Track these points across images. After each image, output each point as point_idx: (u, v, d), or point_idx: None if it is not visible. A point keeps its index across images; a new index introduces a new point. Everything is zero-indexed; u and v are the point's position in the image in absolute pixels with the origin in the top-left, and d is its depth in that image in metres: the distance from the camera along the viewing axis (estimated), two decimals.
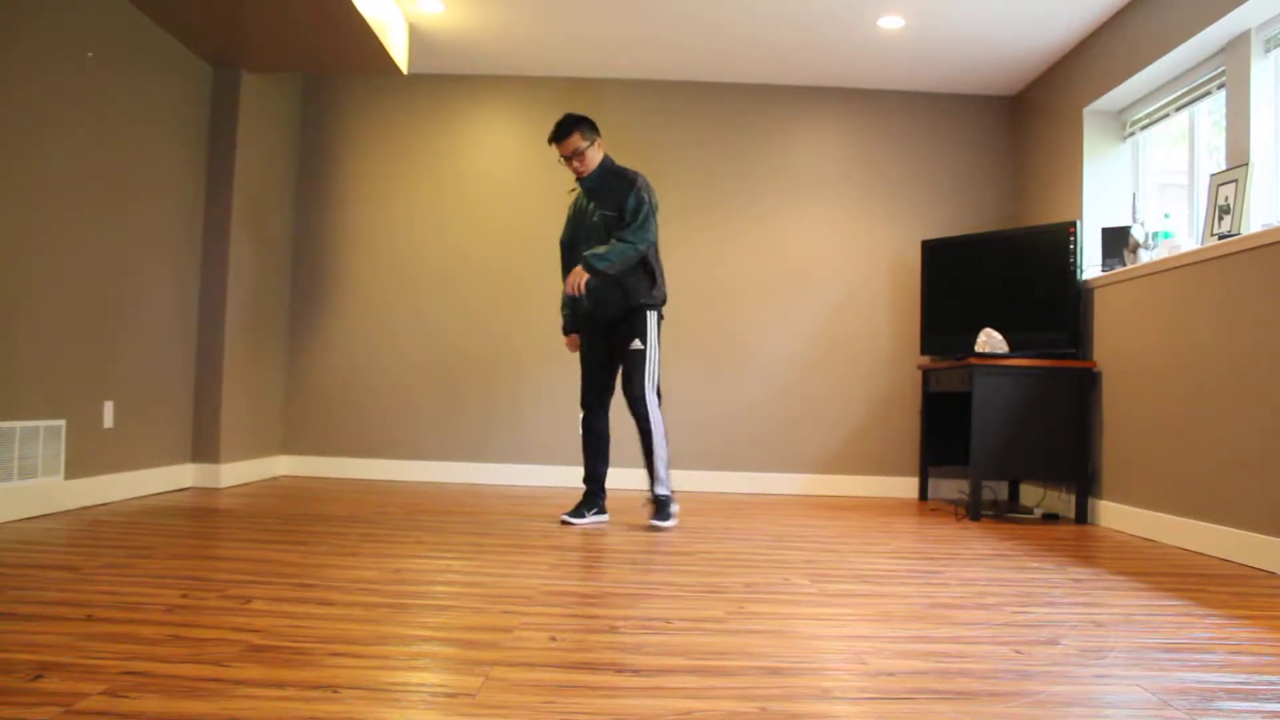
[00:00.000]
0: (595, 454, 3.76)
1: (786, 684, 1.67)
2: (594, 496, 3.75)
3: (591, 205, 3.67)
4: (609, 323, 3.67)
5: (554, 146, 3.61)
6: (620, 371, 3.68)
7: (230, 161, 4.54)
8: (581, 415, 3.77)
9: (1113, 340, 4.10)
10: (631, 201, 3.55)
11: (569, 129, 3.58)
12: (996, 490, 4.97)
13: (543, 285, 5.29)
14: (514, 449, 5.25)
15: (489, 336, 5.29)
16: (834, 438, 5.24)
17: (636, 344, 3.58)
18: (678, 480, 5.21)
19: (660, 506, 3.64)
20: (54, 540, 2.90)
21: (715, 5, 4.32)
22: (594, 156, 3.62)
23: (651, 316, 3.63)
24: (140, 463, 4.04)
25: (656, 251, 3.67)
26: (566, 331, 3.85)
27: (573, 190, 3.84)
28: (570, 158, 3.59)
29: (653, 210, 3.57)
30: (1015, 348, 4.38)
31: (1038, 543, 3.53)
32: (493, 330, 5.29)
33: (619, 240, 3.50)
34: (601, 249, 3.50)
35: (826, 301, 5.29)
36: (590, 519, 3.71)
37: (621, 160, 5.36)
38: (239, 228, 4.60)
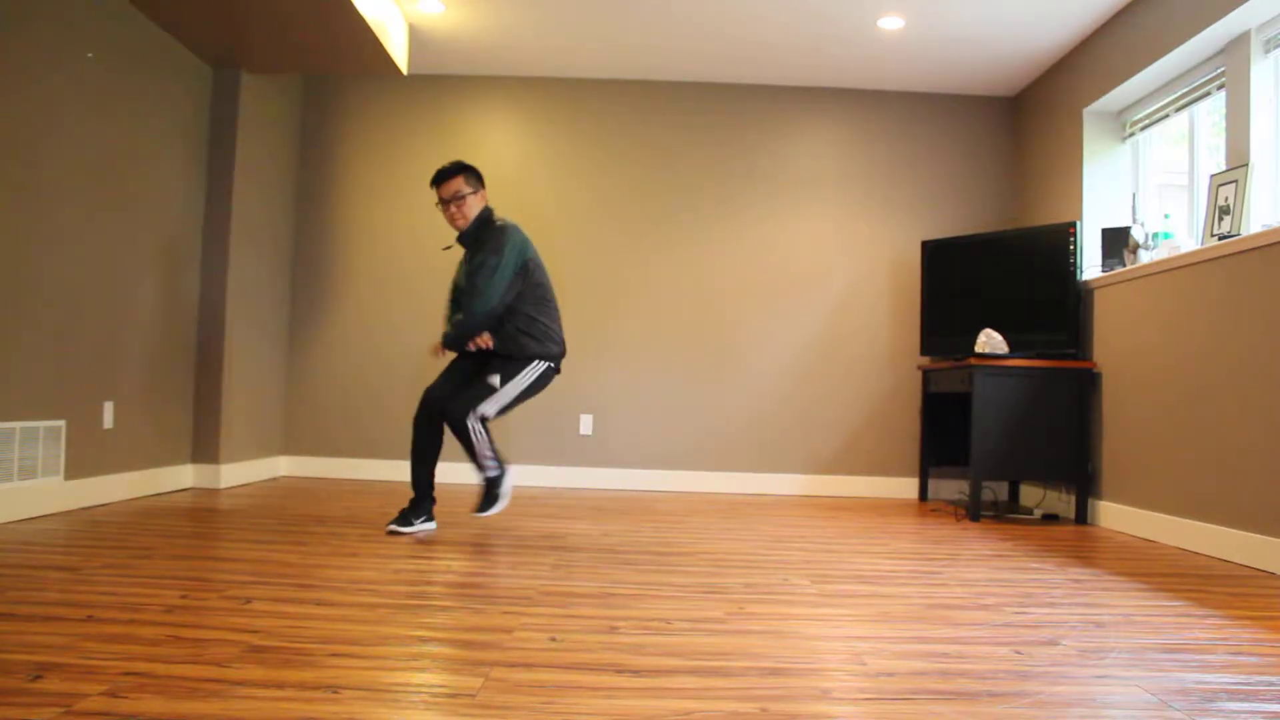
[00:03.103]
0: (427, 455, 3.39)
1: (786, 684, 1.67)
2: (426, 501, 3.40)
3: (464, 258, 3.47)
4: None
5: (434, 190, 3.40)
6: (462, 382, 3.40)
7: (230, 161, 4.55)
8: (418, 412, 3.39)
9: (1112, 341, 4.10)
10: (478, 259, 3.32)
11: (453, 172, 3.38)
12: (996, 491, 4.97)
13: None
14: (514, 450, 5.24)
15: None
16: (834, 438, 5.24)
17: (493, 380, 3.32)
18: (679, 480, 5.21)
19: (489, 487, 3.37)
20: (54, 541, 2.90)
21: (715, 6, 4.32)
22: (474, 206, 3.38)
23: (530, 367, 3.39)
24: (140, 463, 4.04)
25: (538, 304, 3.38)
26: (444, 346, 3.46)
27: (448, 248, 3.66)
28: (449, 201, 3.35)
29: (504, 268, 3.29)
30: (1015, 348, 4.38)
31: (1037, 543, 3.53)
32: None
33: (465, 307, 3.33)
34: (449, 325, 3.44)
35: (826, 302, 5.29)
36: (419, 526, 3.34)
37: (621, 160, 5.41)
38: (239, 227, 4.60)
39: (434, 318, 5.31)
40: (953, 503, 4.90)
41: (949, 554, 3.23)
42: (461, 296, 3.42)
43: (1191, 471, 3.45)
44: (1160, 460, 3.67)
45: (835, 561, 3.00)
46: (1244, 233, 3.31)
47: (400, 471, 5.23)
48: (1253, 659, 1.92)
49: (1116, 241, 4.17)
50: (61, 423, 3.51)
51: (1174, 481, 3.57)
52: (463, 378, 3.43)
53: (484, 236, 3.38)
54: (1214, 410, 3.34)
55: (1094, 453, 4.20)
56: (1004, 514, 4.46)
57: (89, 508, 3.62)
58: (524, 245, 3.39)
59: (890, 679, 1.72)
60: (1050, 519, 4.30)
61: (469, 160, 5.34)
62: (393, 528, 3.30)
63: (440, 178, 3.38)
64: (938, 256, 4.96)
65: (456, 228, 3.41)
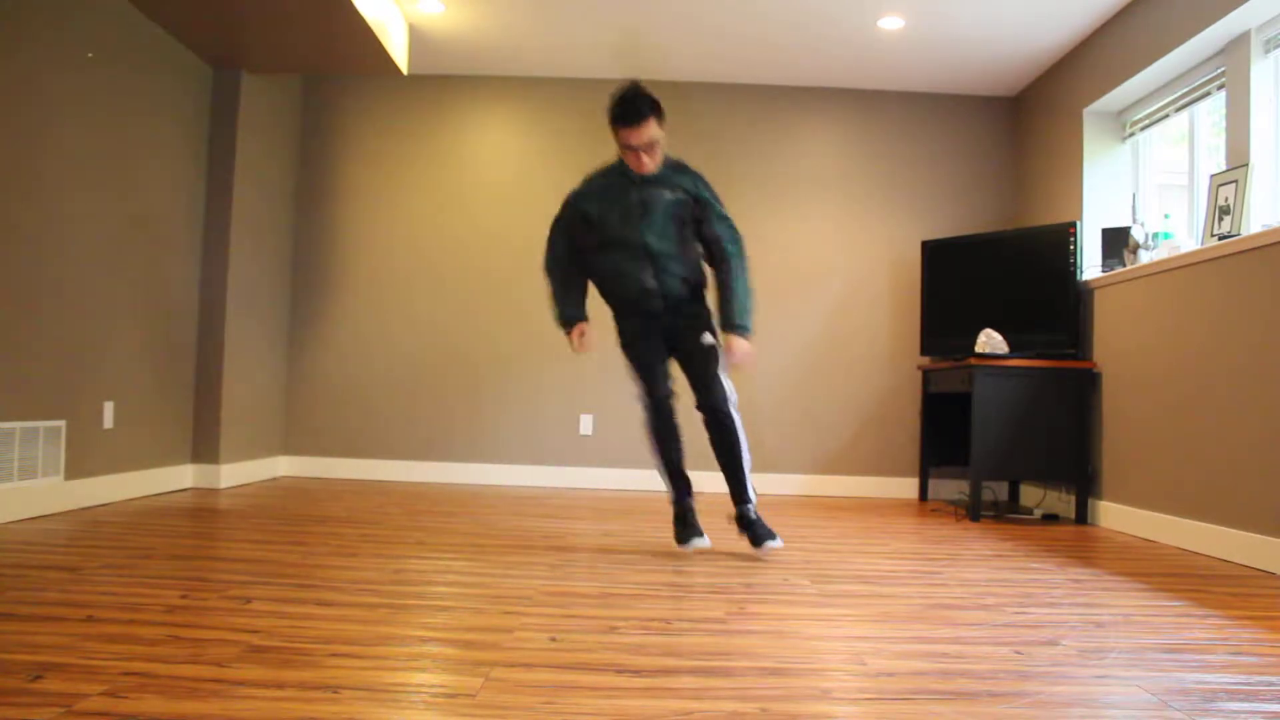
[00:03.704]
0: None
1: (786, 684, 1.67)
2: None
3: (639, 196, 2.99)
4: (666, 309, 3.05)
5: (619, 130, 2.90)
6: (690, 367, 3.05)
7: (230, 161, 4.54)
8: (654, 419, 3.08)
9: (1112, 341, 4.10)
10: (706, 193, 3.01)
11: (646, 110, 2.86)
12: (996, 491, 4.97)
13: (542, 287, 5.27)
14: (514, 450, 5.24)
15: (489, 338, 5.29)
16: (834, 438, 5.24)
17: (711, 339, 3.03)
18: None
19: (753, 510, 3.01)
20: (54, 541, 2.90)
21: (715, 6, 4.32)
22: (662, 148, 2.95)
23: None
24: (140, 463, 4.04)
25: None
26: (573, 321, 3.14)
27: (587, 187, 3.12)
28: (639, 148, 2.88)
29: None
30: (1015, 348, 4.38)
31: (1037, 543, 3.53)
32: (493, 331, 5.29)
33: (727, 262, 2.98)
34: (735, 302, 2.95)
35: (826, 302, 5.29)
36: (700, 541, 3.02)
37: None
38: (239, 228, 4.60)
39: (434, 318, 5.31)
40: (953, 503, 4.90)
41: (949, 554, 3.23)
42: (659, 248, 2.96)
43: (1192, 471, 3.45)
44: (1160, 460, 3.67)
45: (835, 561, 3.00)
46: (1244, 233, 3.31)
47: (401, 472, 5.23)
48: (1253, 659, 1.92)
49: (1116, 241, 4.17)
50: (61, 423, 3.51)
51: (1174, 481, 3.57)
52: (663, 359, 3.07)
53: (678, 176, 3.02)
54: (1214, 410, 3.33)
55: (1094, 453, 4.20)
56: (1004, 514, 4.46)
57: (89, 508, 3.62)
58: None
59: (890, 679, 1.72)
60: (1050, 519, 4.30)
61: (469, 160, 5.38)
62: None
63: (631, 118, 2.86)
64: (938, 256, 4.96)
65: (641, 171, 2.95)
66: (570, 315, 3.16)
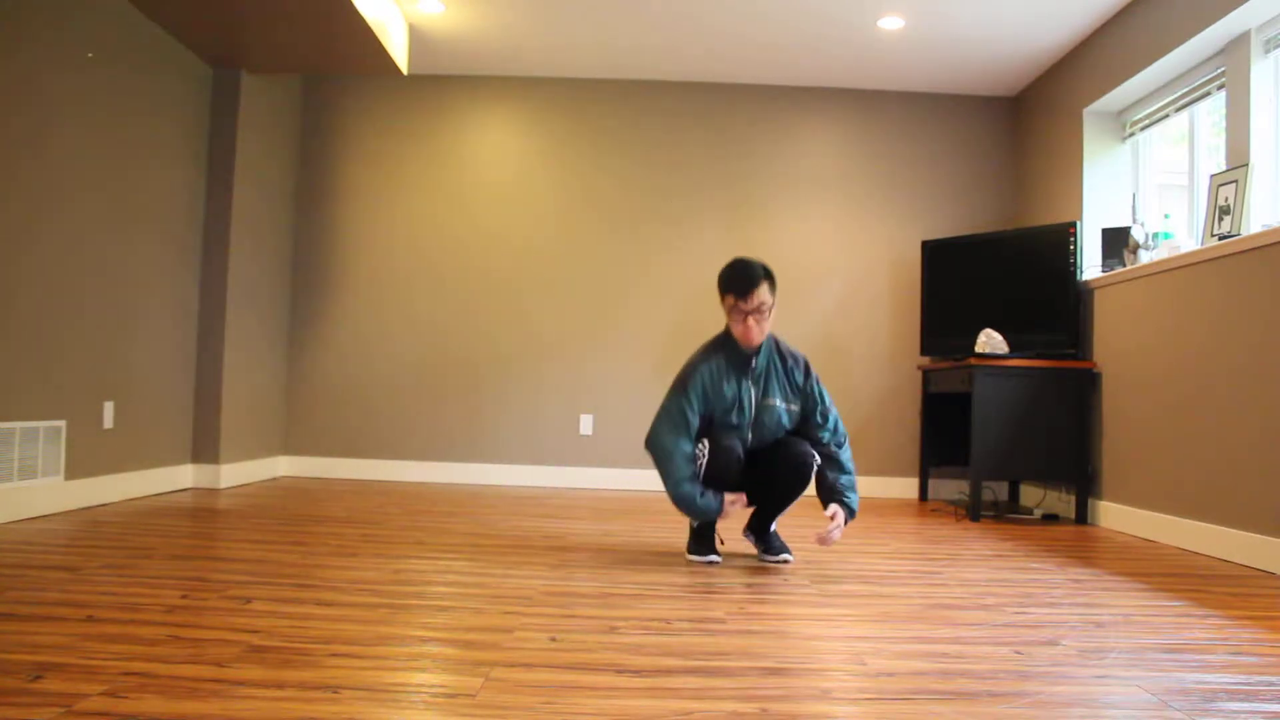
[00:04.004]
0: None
1: (786, 684, 1.67)
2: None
3: (750, 390, 2.87)
4: None
5: (729, 298, 2.81)
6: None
7: (230, 161, 4.54)
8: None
9: (1112, 341, 4.10)
10: (816, 390, 2.92)
11: (758, 275, 2.79)
12: (996, 491, 4.97)
13: (542, 287, 5.29)
14: (514, 450, 5.24)
15: (489, 338, 5.29)
16: None
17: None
18: None
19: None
20: (54, 541, 2.90)
21: (715, 6, 4.31)
22: (770, 320, 2.84)
23: None
24: (140, 463, 4.04)
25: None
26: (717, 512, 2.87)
27: (708, 363, 2.87)
28: (749, 312, 2.79)
29: None
30: (1015, 348, 4.38)
31: (1037, 543, 3.53)
32: (493, 331, 5.29)
33: (835, 458, 2.89)
34: (846, 478, 2.88)
35: (826, 302, 5.29)
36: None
37: (621, 160, 5.41)
38: (239, 228, 4.60)
39: (435, 318, 5.30)
40: (953, 503, 4.90)
41: (949, 554, 3.23)
42: (739, 435, 2.87)
43: (1191, 471, 3.45)
44: (1160, 460, 3.67)
45: (835, 561, 3.00)
46: (1244, 233, 3.31)
47: (400, 472, 5.23)
48: (1253, 659, 1.92)
49: (1116, 241, 4.17)
50: (61, 423, 3.50)
51: (1174, 481, 3.57)
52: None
53: (783, 365, 2.91)
54: (1214, 410, 3.33)
55: (1094, 453, 4.20)
56: (1004, 514, 4.46)
57: (89, 508, 3.62)
58: None
59: (890, 679, 1.72)
60: (1050, 519, 4.30)
61: (469, 161, 5.38)
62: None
63: (743, 285, 2.78)
64: (938, 256, 4.96)
65: (746, 342, 2.83)
66: (715, 506, 2.86)
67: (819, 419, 2.92)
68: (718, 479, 2.85)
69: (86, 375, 3.66)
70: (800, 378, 2.91)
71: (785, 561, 2.93)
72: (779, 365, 2.90)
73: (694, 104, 5.34)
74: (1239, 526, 3.16)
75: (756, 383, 2.88)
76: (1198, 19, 3.56)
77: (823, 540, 2.79)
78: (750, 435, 2.90)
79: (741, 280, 2.79)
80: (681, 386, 2.88)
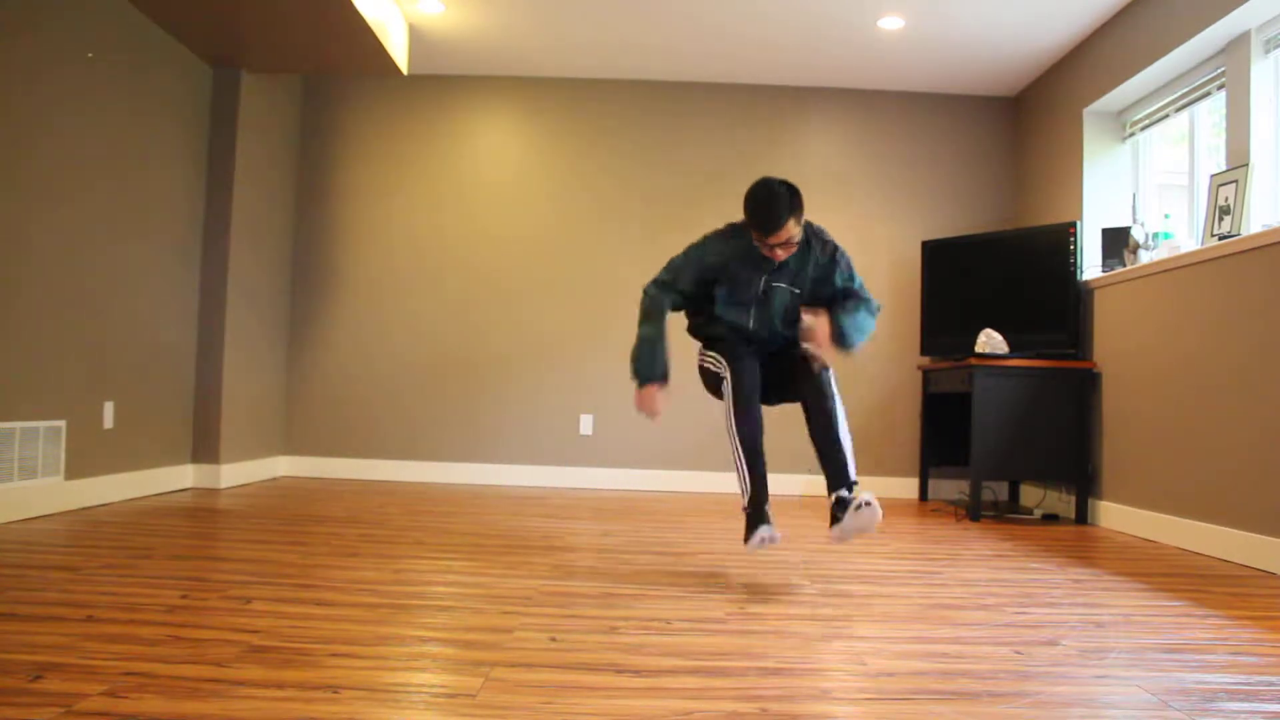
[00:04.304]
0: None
1: (786, 684, 1.67)
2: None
3: (763, 284, 2.80)
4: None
5: (754, 232, 2.70)
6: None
7: (230, 161, 4.54)
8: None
9: (1112, 341, 4.10)
10: (844, 260, 2.86)
11: (782, 216, 2.62)
12: (996, 491, 4.97)
13: (542, 287, 5.29)
14: (514, 450, 5.24)
15: (489, 337, 5.29)
16: None
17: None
18: (679, 480, 5.21)
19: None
20: (54, 540, 2.90)
21: (716, 6, 4.31)
22: (799, 235, 2.71)
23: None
24: (140, 463, 4.04)
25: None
26: (653, 379, 2.87)
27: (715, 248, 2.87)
28: (777, 245, 2.67)
29: None
30: (1015, 348, 4.38)
31: (1038, 543, 3.53)
32: (493, 331, 5.29)
33: (861, 307, 2.79)
34: (852, 323, 2.71)
35: None
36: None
37: (621, 160, 5.41)
38: (239, 228, 4.60)
39: (434, 318, 5.30)
40: (953, 503, 4.90)
41: (949, 554, 3.23)
42: (767, 332, 2.82)
43: (1191, 471, 3.45)
44: (1160, 460, 3.67)
45: (835, 561, 3.00)
46: (1244, 233, 3.31)
47: (400, 472, 5.23)
48: (1253, 659, 1.92)
49: (1116, 242, 4.17)
50: (61, 423, 3.50)
51: (1174, 481, 3.57)
52: (756, 361, 2.85)
53: (812, 256, 2.81)
54: (1214, 410, 3.33)
55: (1094, 452, 4.20)
56: (1004, 514, 4.46)
57: (89, 508, 3.62)
58: None
59: (890, 679, 1.72)
60: (1050, 519, 4.30)
61: (469, 161, 5.37)
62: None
63: (768, 226, 2.64)
64: (938, 256, 4.96)
65: (775, 259, 2.74)
66: (658, 373, 2.87)
67: (839, 281, 2.79)
68: (743, 408, 2.75)
69: (86, 375, 3.66)
70: (825, 260, 2.80)
71: (868, 504, 2.46)
72: (800, 257, 2.75)
73: (694, 104, 5.34)
74: (1239, 526, 3.16)
75: (772, 272, 2.77)
76: (1198, 19, 3.56)
77: (805, 336, 2.66)
78: (752, 323, 2.81)
79: (764, 220, 2.64)
80: (684, 256, 2.90)
